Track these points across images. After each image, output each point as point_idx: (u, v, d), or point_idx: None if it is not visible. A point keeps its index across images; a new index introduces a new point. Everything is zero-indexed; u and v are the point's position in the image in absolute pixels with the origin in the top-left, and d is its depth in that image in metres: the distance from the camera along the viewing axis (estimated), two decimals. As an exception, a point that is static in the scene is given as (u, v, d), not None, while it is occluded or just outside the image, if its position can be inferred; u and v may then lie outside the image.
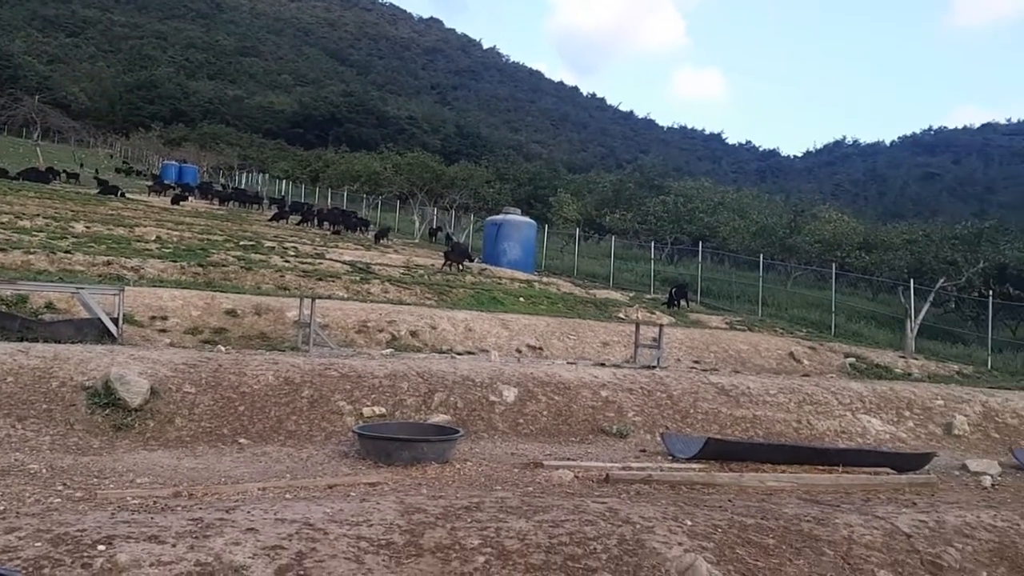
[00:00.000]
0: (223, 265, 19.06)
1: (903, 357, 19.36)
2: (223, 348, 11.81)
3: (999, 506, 7.81)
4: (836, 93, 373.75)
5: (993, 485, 9.05)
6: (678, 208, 46.90)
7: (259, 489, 6.53)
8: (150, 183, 50.22)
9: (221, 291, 15.85)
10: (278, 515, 5.37)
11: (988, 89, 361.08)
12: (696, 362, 16.60)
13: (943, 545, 6.40)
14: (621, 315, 21.51)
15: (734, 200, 52.18)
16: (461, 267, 25.77)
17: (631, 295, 26.15)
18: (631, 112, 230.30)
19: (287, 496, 6.35)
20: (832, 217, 41.07)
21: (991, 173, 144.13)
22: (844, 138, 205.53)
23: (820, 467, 8.50)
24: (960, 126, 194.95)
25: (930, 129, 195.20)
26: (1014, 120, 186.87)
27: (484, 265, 29.08)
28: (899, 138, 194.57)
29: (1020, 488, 9.08)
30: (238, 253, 21.55)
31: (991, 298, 22.12)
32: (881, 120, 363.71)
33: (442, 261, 27.17)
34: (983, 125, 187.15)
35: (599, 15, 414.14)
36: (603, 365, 13.68)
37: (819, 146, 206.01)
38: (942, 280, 24.61)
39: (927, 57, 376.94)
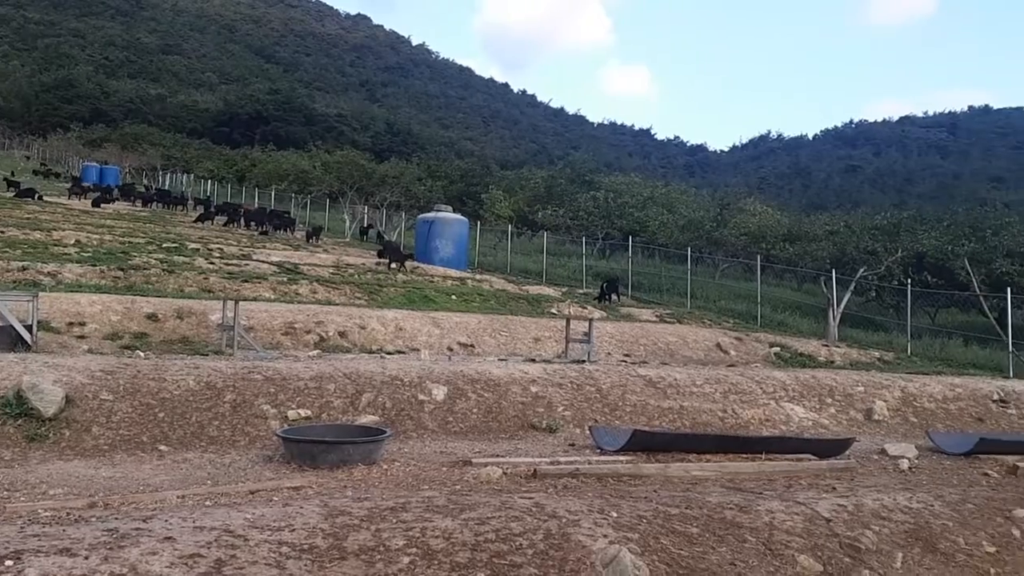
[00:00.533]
0: (145, 268, 18.57)
1: (826, 345, 19.86)
2: (142, 354, 11.50)
3: (915, 488, 8.06)
4: (760, 88, 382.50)
5: (910, 468, 9.34)
6: (609, 203, 47.35)
7: (178, 497, 6.37)
8: (69, 185, 48.63)
9: (142, 295, 15.45)
10: (197, 523, 5.24)
11: (905, 83, 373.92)
12: (627, 355, 16.77)
13: (861, 528, 6.58)
14: (553, 310, 21.62)
15: (663, 195, 52.88)
16: (403, 267, 25.60)
17: (564, 290, 26.31)
18: (562, 108, 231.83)
19: (207, 503, 6.21)
20: (757, 210, 41.98)
21: (909, 164, 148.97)
22: (769, 132, 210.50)
23: (744, 455, 8.65)
24: (880, 119, 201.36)
25: (851, 123, 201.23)
26: (930, 113, 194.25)
27: (416, 263, 28.94)
28: (822, 132, 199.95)
29: (935, 470, 9.39)
30: (161, 256, 21.04)
31: (910, 286, 22.82)
32: (804, 114, 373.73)
33: (375, 260, 26.96)
34: (901, 118, 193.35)
35: (526, 13, 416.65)
36: (534, 361, 13.72)
37: (745, 140, 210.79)
38: (863, 270, 25.32)
39: (846, 53, 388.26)
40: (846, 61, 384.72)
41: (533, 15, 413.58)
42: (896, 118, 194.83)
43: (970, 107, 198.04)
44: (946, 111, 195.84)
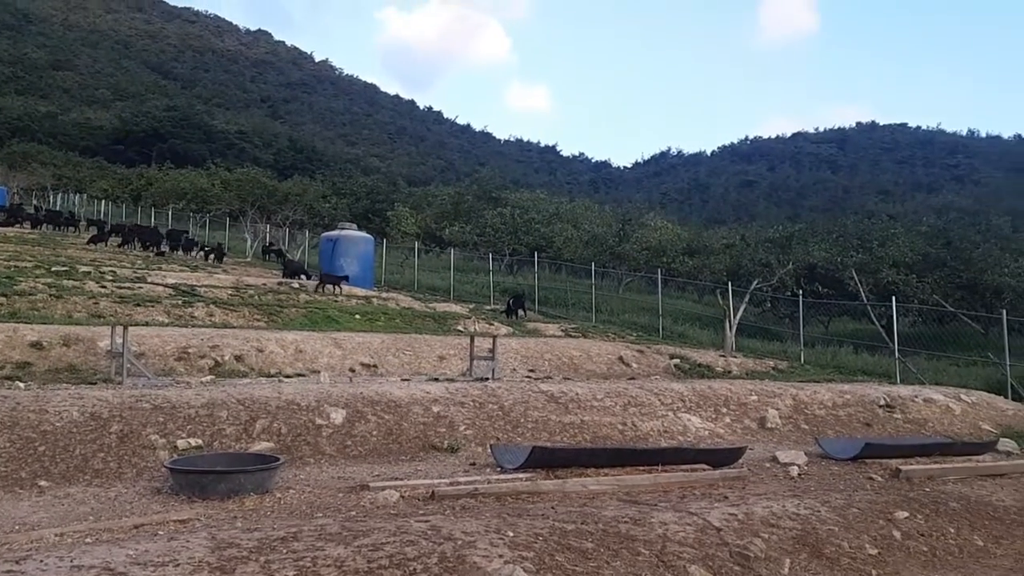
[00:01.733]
0: (31, 294, 17.75)
1: (724, 356, 20.38)
2: (22, 385, 10.98)
3: (803, 495, 8.33)
4: (660, 106, 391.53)
5: (799, 475, 9.65)
6: (515, 220, 47.73)
7: (56, 535, 6.09)
8: (-51, 207, 46.20)
9: (27, 322, 14.76)
10: (75, 561, 5.02)
11: (795, 100, 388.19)
12: (531, 371, 16.85)
13: (751, 536, 6.75)
14: (460, 328, 21.59)
15: (568, 211, 53.60)
16: (337, 288, 25.27)
17: (471, 307, 26.31)
18: (468, 125, 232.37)
19: (88, 540, 5.95)
20: (658, 225, 42.93)
21: (802, 179, 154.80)
22: (669, 149, 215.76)
23: (641, 467, 8.79)
24: (773, 135, 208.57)
25: (747, 139, 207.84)
26: (821, 129, 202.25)
27: (350, 286, 28.50)
28: (719, 148, 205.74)
29: (823, 476, 9.73)
30: (49, 280, 20.15)
31: (801, 297, 23.64)
32: (702, 132, 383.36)
33: (277, 280, 26.44)
34: (794, 134, 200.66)
35: (427, 32, 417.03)
36: (437, 380, 13.66)
37: (647, 157, 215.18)
38: (757, 281, 26.13)
39: (738, 72, 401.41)
40: (739, 79, 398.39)
41: (433, 34, 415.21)
42: (789, 134, 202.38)
43: (858, 123, 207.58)
44: (836, 127, 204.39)
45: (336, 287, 25.48)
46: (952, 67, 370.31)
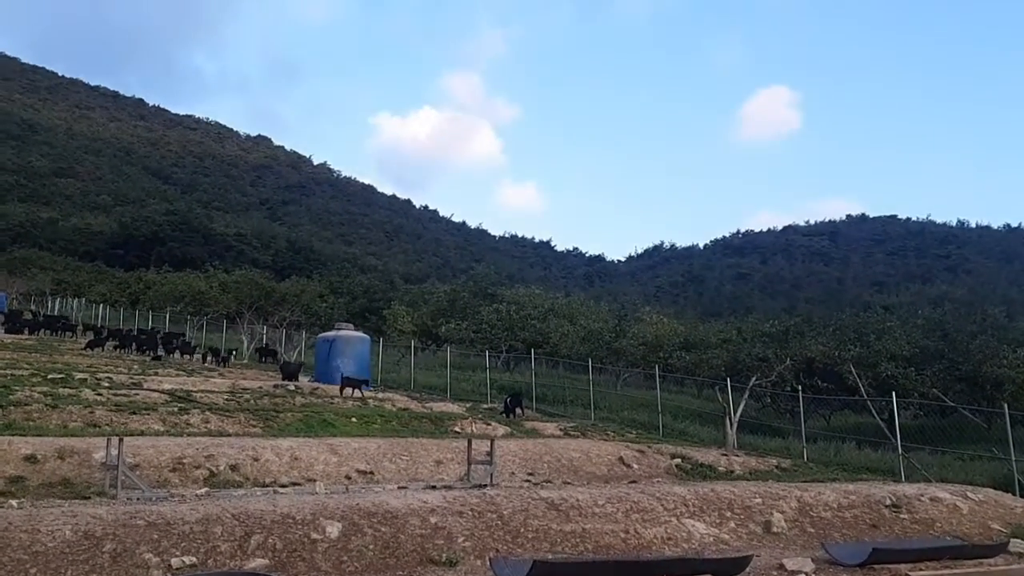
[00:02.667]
0: (26, 404, 17.63)
1: (725, 455, 20.13)
2: (15, 503, 10.79)
3: (812, 604, 8.13)
4: (651, 201, 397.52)
5: (807, 582, 9.44)
6: (511, 316, 47.87)
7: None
8: (-52, 314, 46.29)
9: (22, 434, 14.62)
10: None
11: (784, 194, 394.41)
12: (530, 474, 16.62)
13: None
14: (457, 428, 21.39)
15: (564, 306, 53.81)
16: (357, 391, 25.39)
17: (468, 406, 26.12)
18: (463, 223, 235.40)
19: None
20: (654, 320, 43.00)
21: (796, 271, 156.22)
22: (662, 243, 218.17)
23: (646, 580, 8.59)
24: (765, 229, 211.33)
25: (738, 232, 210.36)
26: (812, 222, 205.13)
27: (317, 384, 28.37)
28: (711, 241, 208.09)
29: (831, 583, 9.51)
30: (45, 388, 20.04)
31: (801, 393, 23.53)
32: (694, 225, 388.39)
33: (272, 383, 26.31)
34: (785, 227, 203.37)
35: (420, 135, 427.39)
36: (434, 487, 13.46)
37: (640, 251, 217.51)
38: (755, 378, 26.03)
39: (726, 167, 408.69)
40: (727, 175, 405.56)
41: (428, 137, 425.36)
42: (780, 227, 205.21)
43: (848, 216, 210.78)
44: (826, 220, 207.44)
45: (358, 390, 25.55)
46: (939, 159, 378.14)
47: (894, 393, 21.27)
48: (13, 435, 14.36)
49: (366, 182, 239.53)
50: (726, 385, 23.81)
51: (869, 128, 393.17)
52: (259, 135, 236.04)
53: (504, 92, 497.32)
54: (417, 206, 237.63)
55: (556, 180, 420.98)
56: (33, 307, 60.99)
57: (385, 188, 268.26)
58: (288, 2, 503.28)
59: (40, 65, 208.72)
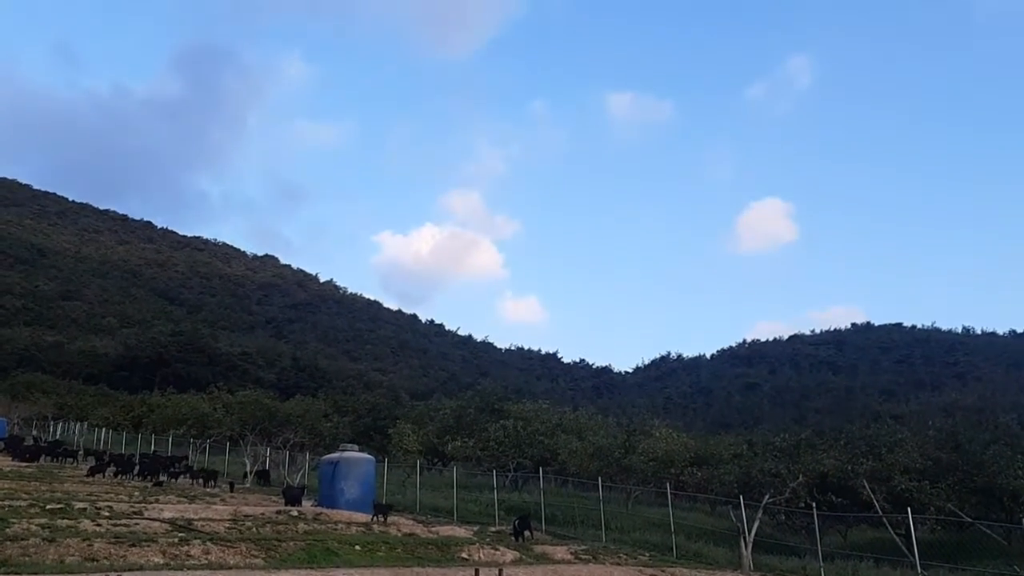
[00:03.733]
0: (22, 538, 17.22)
1: (742, 576, 19.55)
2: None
3: None
4: (655, 312, 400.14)
5: None
6: (518, 432, 47.30)
7: None
8: (-51, 441, 45.95)
9: (16, 572, 14.24)
10: None
11: (785, 304, 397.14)
12: (540, 602, 16.11)
13: None
14: (464, 555, 20.82)
15: (572, 421, 53.20)
16: (382, 517, 25.16)
17: (476, 529, 25.54)
18: (469, 336, 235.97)
19: None
20: (664, 434, 42.42)
21: (804, 381, 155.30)
22: (669, 353, 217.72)
23: None
24: (771, 338, 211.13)
25: (745, 343, 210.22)
26: (817, 331, 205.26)
27: (320, 509, 27.80)
28: (718, 351, 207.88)
29: None
30: (43, 520, 19.63)
31: (815, 510, 22.99)
32: (700, 335, 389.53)
33: (275, 509, 25.79)
34: (791, 337, 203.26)
35: (421, 252, 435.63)
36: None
37: (647, 361, 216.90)
38: (768, 496, 25.47)
39: (728, 278, 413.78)
40: (729, 286, 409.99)
41: (428, 254, 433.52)
42: (786, 337, 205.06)
43: (853, 324, 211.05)
44: (832, 329, 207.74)
45: (384, 517, 25.27)
46: (940, 266, 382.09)
47: (909, 509, 20.78)
48: (8, 573, 14.00)
49: (372, 298, 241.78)
50: (739, 503, 23.30)
51: (866, 236, 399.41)
52: (266, 254, 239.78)
53: (504, 209, 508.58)
54: (423, 320, 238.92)
55: (558, 293, 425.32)
56: (35, 432, 60.57)
57: (392, 304, 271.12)
58: (292, 128, 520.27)
59: (50, 191, 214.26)
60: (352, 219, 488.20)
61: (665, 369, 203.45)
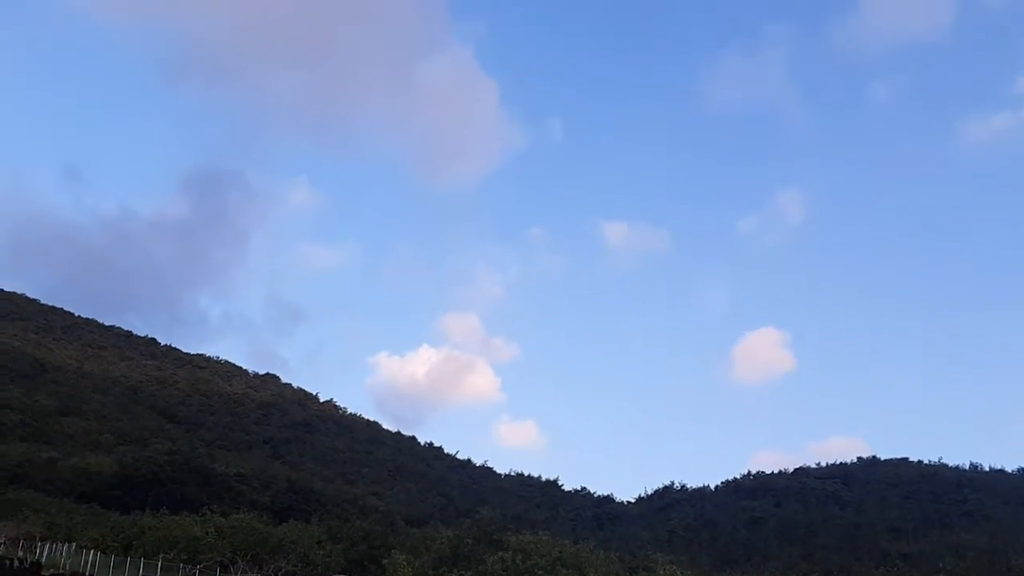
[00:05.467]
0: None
1: None
2: None
3: None
4: (656, 440, 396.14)
5: None
6: (517, 565, 45.97)
7: None
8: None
9: None
10: None
11: (787, 434, 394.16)
12: None
13: None
14: None
15: (572, 555, 51.75)
16: None
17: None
18: (468, 460, 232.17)
19: None
20: (668, 572, 41.27)
21: (810, 515, 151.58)
22: (673, 483, 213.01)
23: None
24: (776, 470, 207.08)
25: (749, 474, 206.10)
26: (823, 464, 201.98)
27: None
28: (723, 483, 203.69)
29: None
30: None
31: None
32: (703, 464, 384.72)
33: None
34: (796, 470, 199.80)
35: (417, 375, 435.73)
36: None
37: (650, 491, 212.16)
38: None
39: (729, 408, 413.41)
40: (728, 414, 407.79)
41: (425, 376, 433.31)
42: (791, 469, 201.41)
43: (859, 458, 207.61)
44: (837, 462, 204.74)
45: None
46: (945, 400, 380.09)
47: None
48: None
49: (371, 419, 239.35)
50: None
51: (866, 367, 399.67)
52: (268, 373, 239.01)
53: (502, 332, 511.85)
54: (422, 443, 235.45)
55: (556, 418, 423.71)
56: (20, 552, 59.01)
57: (390, 425, 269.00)
58: (294, 250, 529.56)
59: (58, 306, 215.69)
60: (349, 340, 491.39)
61: (669, 500, 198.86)
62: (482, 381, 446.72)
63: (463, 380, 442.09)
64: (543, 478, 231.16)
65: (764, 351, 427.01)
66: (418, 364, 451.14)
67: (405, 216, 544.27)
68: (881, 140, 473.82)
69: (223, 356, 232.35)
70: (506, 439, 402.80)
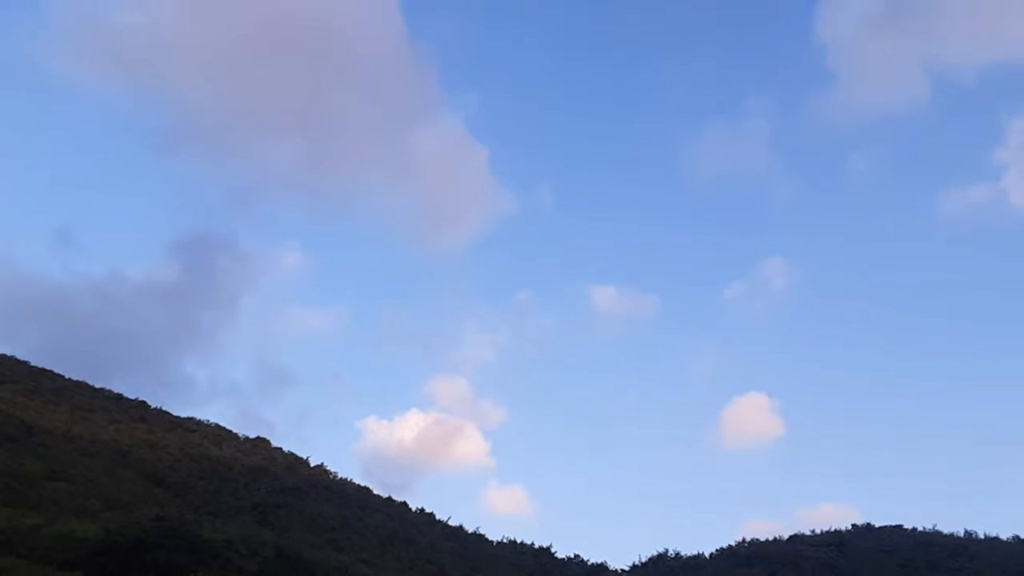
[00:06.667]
0: None
1: None
2: None
3: None
4: (648, 506, 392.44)
5: None
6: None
7: None
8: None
9: None
10: None
11: (775, 502, 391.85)
12: None
13: None
14: None
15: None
16: None
17: None
18: (460, 527, 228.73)
19: None
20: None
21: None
22: (667, 551, 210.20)
23: None
24: (771, 537, 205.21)
25: (744, 541, 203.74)
26: (818, 531, 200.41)
27: None
28: (717, 550, 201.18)
29: None
30: None
31: None
32: (697, 531, 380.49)
33: None
34: (791, 537, 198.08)
35: (405, 439, 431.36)
36: None
37: (644, 559, 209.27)
38: None
39: (718, 474, 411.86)
40: (722, 482, 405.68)
41: (414, 441, 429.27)
42: (786, 536, 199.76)
43: (854, 525, 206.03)
44: (832, 529, 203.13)
45: None
46: (938, 466, 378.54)
47: None
48: None
49: (362, 484, 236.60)
50: None
51: (856, 432, 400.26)
52: (258, 436, 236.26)
53: (491, 395, 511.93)
54: (413, 509, 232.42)
55: (546, 483, 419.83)
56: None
57: (380, 490, 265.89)
58: (283, 313, 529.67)
59: (48, 368, 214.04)
60: (337, 404, 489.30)
61: (663, 568, 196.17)
62: (471, 446, 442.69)
63: (452, 444, 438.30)
64: (536, 545, 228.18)
65: (753, 417, 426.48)
66: (407, 428, 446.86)
67: (395, 280, 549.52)
68: (862, 208, 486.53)
69: (216, 419, 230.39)
70: (495, 505, 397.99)
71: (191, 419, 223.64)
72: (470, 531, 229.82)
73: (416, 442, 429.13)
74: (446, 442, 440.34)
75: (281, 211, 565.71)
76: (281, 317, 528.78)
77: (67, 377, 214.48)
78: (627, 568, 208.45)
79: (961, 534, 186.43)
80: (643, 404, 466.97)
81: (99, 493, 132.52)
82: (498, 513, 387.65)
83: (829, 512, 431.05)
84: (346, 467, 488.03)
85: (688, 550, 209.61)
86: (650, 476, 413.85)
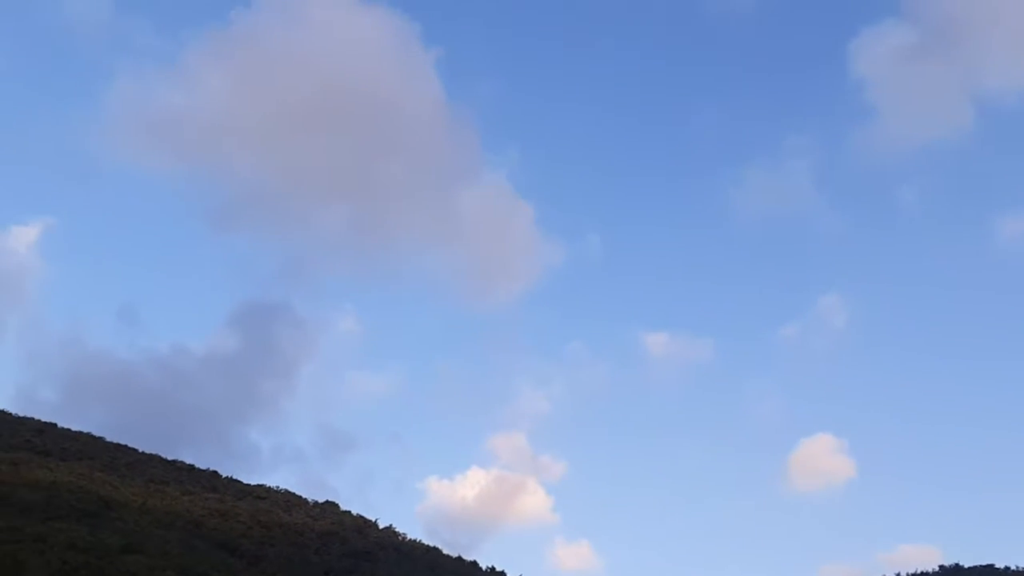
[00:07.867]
0: None
1: None
2: None
3: None
4: (719, 555, 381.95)
5: None
6: None
7: None
8: None
9: None
10: None
11: (850, 546, 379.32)
12: None
13: None
14: None
15: None
16: None
17: None
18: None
19: None
20: None
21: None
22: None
23: None
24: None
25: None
26: (902, 574, 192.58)
27: None
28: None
29: None
30: None
31: None
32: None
33: None
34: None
35: (467, 498, 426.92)
36: None
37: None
38: None
39: (788, 519, 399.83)
40: (793, 527, 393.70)
41: (475, 500, 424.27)
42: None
43: (941, 567, 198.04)
44: (918, 571, 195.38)
45: None
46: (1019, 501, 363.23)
47: None
48: None
49: (431, 544, 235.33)
50: None
51: (930, 471, 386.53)
52: (327, 501, 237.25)
53: (550, 449, 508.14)
54: (484, 568, 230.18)
55: (611, 536, 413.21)
56: None
57: (449, 551, 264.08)
58: (341, 378, 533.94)
59: (122, 443, 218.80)
60: (398, 466, 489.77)
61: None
62: (534, 501, 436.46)
63: (515, 501, 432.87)
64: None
65: (821, 458, 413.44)
66: (468, 487, 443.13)
67: (448, 338, 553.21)
68: (915, 239, 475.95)
69: (285, 485, 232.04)
70: (563, 562, 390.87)
71: (260, 486, 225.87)
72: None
73: (479, 500, 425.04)
74: (509, 499, 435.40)
75: (334, 277, 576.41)
76: (339, 381, 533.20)
77: (140, 451, 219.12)
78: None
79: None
80: (706, 449, 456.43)
81: (174, 564, 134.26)
82: (566, 570, 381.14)
83: (909, 553, 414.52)
84: (411, 528, 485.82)
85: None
86: (720, 523, 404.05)
